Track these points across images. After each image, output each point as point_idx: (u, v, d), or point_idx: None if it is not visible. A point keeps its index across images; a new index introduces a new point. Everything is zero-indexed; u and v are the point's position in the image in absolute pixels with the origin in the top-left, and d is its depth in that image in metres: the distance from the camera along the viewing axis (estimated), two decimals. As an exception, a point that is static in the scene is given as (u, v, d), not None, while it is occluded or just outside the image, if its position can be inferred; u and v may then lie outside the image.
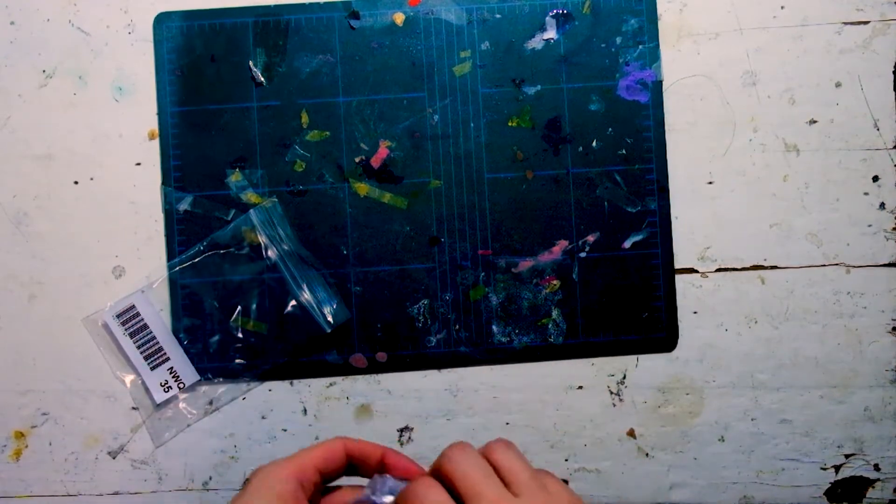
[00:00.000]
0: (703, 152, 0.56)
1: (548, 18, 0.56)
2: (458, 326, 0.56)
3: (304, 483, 0.36)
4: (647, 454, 0.56)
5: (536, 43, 0.56)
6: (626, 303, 0.56)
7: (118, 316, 0.55)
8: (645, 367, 0.56)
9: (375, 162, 0.56)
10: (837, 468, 0.57)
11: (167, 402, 0.55)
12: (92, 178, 0.56)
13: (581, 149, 0.56)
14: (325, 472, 0.38)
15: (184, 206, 0.56)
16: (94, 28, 0.56)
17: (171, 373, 0.55)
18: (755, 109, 0.56)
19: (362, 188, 0.56)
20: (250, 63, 0.56)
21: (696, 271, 0.56)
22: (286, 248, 0.55)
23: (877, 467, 0.57)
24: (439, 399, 0.56)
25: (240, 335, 0.55)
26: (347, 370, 0.56)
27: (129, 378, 0.55)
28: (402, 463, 0.39)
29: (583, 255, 0.56)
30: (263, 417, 0.56)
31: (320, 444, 0.38)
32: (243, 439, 0.56)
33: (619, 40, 0.56)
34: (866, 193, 0.56)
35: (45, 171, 0.56)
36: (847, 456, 0.57)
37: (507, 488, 0.34)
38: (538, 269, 0.56)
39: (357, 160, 0.56)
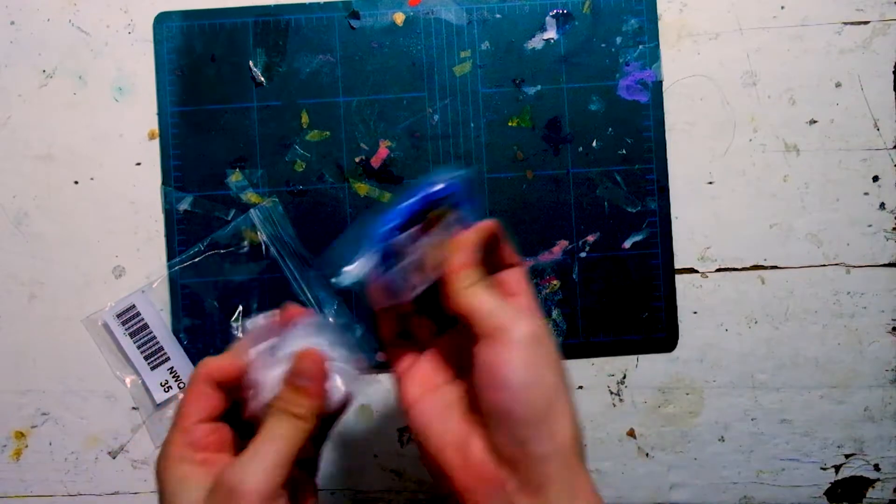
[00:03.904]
0: (703, 152, 0.56)
1: (548, 18, 0.56)
2: (458, 326, 0.56)
3: (203, 444, 0.35)
4: (647, 454, 0.56)
5: (536, 43, 0.56)
6: (626, 303, 0.56)
7: (118, 316, 0.55)
8: (645, 367, 0.56)
9: (375, 162, 0.56)
10: (837, 468, 0.57)
11: (167, 401, 0.55)
12: (92, 178, 0.56)
13: (581, 149, 0.56)
14: (213, 414, 0.37)
15: (184, 206, 0.56)
16: (94, 28, 0.56)
17: (171, 373, 0.55)
18: (755, 109, 0.56)
19: (362, 188, 0.56)
20: (250, 63, 0.56)
21: (696, 271, 0.56)
22: (286, 247, 0.55)
23: (877, 467, 0.57)
24: (439, 399, 0.56)
25: (240, 335, 0.55)
26: (347, 370, 0.56)
27: (129, 378, 0.55)
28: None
29: (583, 255, 0.56)
30: (263, 417, 0.56)
31: (187, 397, 0.37)
32: (243, 439, 0.56)
33: (619, 40, 0.56)
34: (866, 193, 0.56)
35: (45, 171, 0.56)
36: (847, 456, 0.57)
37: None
38: (538, 269, 0.56)
39: (357, 160, 0.56)
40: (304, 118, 0.56)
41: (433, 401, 0.37)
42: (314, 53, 0.56)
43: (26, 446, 0.56)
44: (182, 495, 0.33)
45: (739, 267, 0.56)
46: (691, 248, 0.56)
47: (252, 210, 0.55)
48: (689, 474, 0.56)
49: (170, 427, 0.36)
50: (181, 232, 0.55)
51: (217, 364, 0.37)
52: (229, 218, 0.56)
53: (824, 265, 0.56)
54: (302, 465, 0.37)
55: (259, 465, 0.33)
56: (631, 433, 0.56)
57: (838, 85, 0.56)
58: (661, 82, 0.56)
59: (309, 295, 0.55)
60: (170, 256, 0.55)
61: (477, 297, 0.35)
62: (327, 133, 0.56)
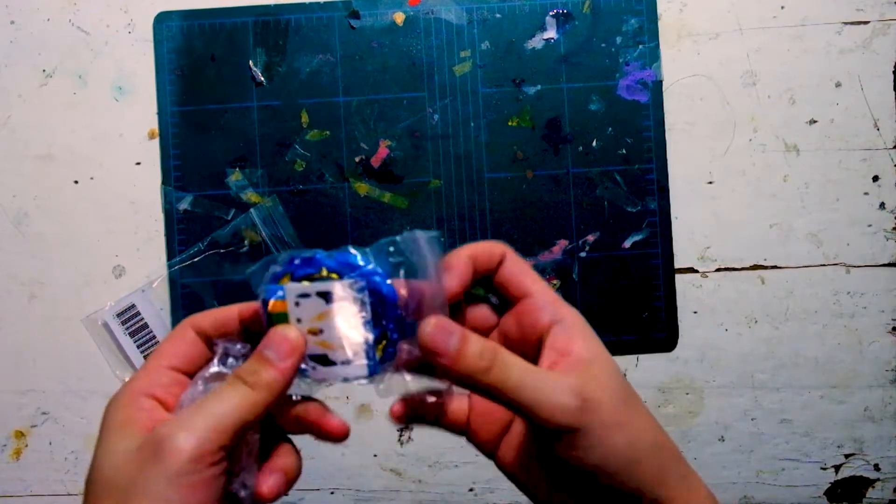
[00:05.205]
0: (703, 152, 0.56)
1: (548, 18, 0.56)
2: (458, 326, 0.56)
3: (159, 393, 0.32)
4: (647, 454, 0.56)
5: (536, 43, 0.56)
6: (626, 303, 0.56)
7: (118, 315, 0.55)
8: (645, 367, 0.56)
9: (375, 162, 0.56)
10: (837, 468, 0.57)
11: (167, 401, 0.55)
12: (92, 178, 0.56)
13: (581, 149, 0.56)
14: (189, 365, 0.33)
15: (184, 205, 0.56)
16: (94, 28, 0.56)
17: (171, 373, 0.55)
18: (755, 109, 0.56)
19: (362, 188, 0.56)
20: (250, 63, 0.56)
21: (696, 271, 0.56)
22: (286, 247, 0.55)
23: (877, 467, 0.57)
24: (439, 399, 0.56)
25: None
26: (347, 370, 0.56)
27: (129, 378, 0.55)
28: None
29: (583, 254, 0.56)
30: (263, 417, 0.56)
31: (168, 337, 0.34)
32: (243, 439, 0.56)
33: (619, 40, 0.56)
34: (866, 193, 0.56)
35: (45, 171, 0.56)
36: (847, 456, 0.57)
37: None
38: (538, 268, 0.56)
39: (357, 160, 0.56)
40: (304, 118, 0.56)
41: (507, 444, 0.35)
42: (314, 53, 0.56)
43: (26, 446, 0.56)
44: (114, 442, 0.30)
45: (739, 267, 0.56)
46: (691, 247, 0.56)
47: (252, 210, 0.55)
48: (689, 474, 0.56)
49: (142, 368, 0.34)
50: (181, 232, 0.55)
51: (208, 315, 0.34)
52: (229, 217, 0.56)
53: (824, 265, 0.56)
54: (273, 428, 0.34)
55: (196, 424, 0.29)
56: (631, 433, 0.56)
57: (838, 85, 0.56)
58: (661, 82, 0.56)
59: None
60: (170, 256, 0.55)
61: (511, 381, 0.30)
62: (327, 133, 0.56)
